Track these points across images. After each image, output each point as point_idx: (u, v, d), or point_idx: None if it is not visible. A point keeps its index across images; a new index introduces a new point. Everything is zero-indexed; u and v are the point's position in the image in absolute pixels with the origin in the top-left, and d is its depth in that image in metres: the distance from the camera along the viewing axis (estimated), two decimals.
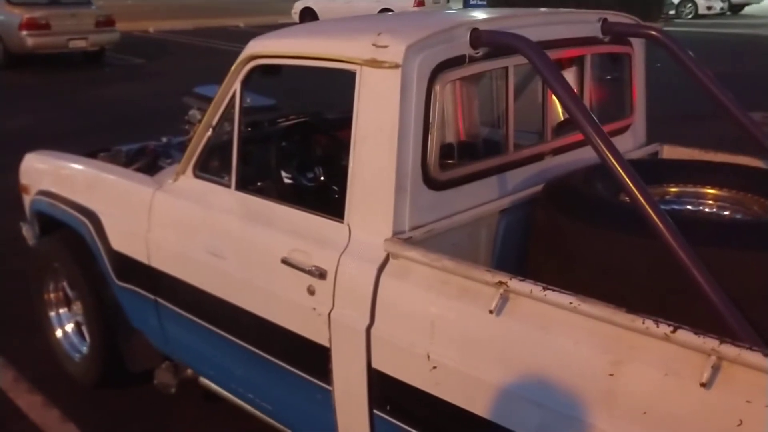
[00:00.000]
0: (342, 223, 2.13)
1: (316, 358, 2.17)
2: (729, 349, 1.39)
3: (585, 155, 2.42)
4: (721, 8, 23.66)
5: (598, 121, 1.86)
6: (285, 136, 2.82)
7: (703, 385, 1.41)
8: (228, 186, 2.50)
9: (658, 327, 1.48)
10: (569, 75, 2.64)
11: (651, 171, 2.31)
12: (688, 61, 2.49)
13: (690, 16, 22.49)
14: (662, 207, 1.75)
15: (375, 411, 2.07)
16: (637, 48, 2.85)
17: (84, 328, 3.30)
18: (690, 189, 2.29)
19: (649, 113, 2.99)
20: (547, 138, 2.51)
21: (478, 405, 1.78)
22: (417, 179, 2.04)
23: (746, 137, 2.42)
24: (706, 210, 2.25)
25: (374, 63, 1.99)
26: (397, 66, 1.95)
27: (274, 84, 2.59)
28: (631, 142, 2.89)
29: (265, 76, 2.42)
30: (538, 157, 2.47)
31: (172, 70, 12.88)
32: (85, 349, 3.31)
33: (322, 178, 2.47)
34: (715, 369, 1.41)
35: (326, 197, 2.36)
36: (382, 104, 1.99)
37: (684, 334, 1.45)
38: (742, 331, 1.52)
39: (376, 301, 1.99)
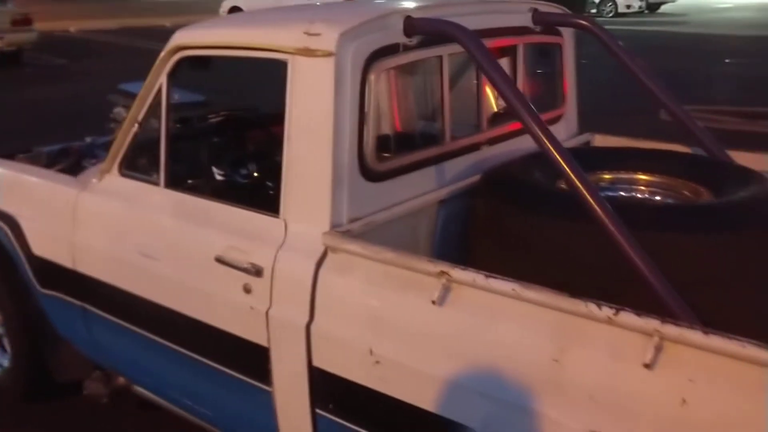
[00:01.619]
0: (278, 218, 2.06)
1: (254, 359, 2.10)
2: (670, 329, 1.40)
3: (521, 145, 2.43)
4: (640, 7, 24.50)
5: (535, 114, 1.86)
6: (216, 132, 2.74)
7: (646, 366, 1.41)
8: (157, 184, 2.40)
9: (600, 310, 1.47)
10: (502, 65, 2.64)
11: (585, 159, 2.31)
12: (617, 50, 2.53)
13: (610, 15, 23.19)
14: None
15: (317, 411, 2.01)
16: (567, 39, 2.88)
17: (4, 340, 3.13)
18: (623, 175, 2.32)
19: (580, 109, 3.03)
20: (483, 128, 2.50)
21: (424, 399, 1.75)
22: (354, 170, 1.99)
23: (676, 123, 2.47)
24: (639, 195, 2.28)
25: (306, 51, 1.93)
26: (330, 54, 1.90)
27: (211, 82, 2.50)
28: (564, 131, 2.91)
29: (193, 69, 2.33)
30: (475, 147, 2.46)
31: (96, 70, 12.42)
32: (6, 362, 3.12)
33: (256, 174, 2.39)
34: (658, 349, 1.41)
35: (261, 193, 2.29)
36: (316, 94, 1.94)
37: (626, 316, 1.45)
38: (681, 311, 1.54)
39: (315, 297, 1.93)
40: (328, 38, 1.91)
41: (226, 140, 2.67)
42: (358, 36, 1.95)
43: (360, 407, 1.92)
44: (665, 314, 1.49)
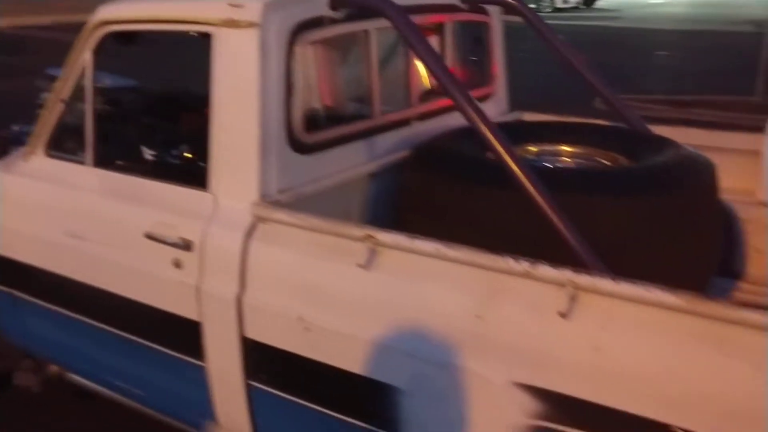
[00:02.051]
0: (207, 192, 2.06)
1: (186, 335, 2.09)
2: (583, 279, 1.46)
3: (453, 121, 2.47)
4: (576, 2, 25.08)
5: (466, 89, 1.91)
6: (146, 111, 2.70)
7: (562, 315, 1.47)
8: (84, 163, 2.36)
9: (518, 264, 1.52)
10: (431, 42, 2.68)
11: (512, 132, 2.39)
12: (542, 28, 2.62)
13: (549, 10, 23.66)
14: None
15: (251, 382, 2.02)
16: (495, 19, 2.94)
17: None
18: (548, 147, 2.39)
19: (511, 89, 3.10)
20: (413, 103, 2.54)
21: (353, 362, 1.78)
22: (282, 142, 2.00)
23: (596, 95, 2.57)
24: (561, 165, 2.35)
25: (231, 23, 1.94)
26: (254, 25, 1.90)
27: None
28: (494, 109, 2.97)
29: (119, 44, 2.30)
30: (406, 122, 2.49)
31: (33, 66, 12.02)
32: None
33: (185, 151, 2.38)
34: (572, 299, 1.47)
35: (190, 169, 2.27)
36: (242, 65, 1.94)
37: (542, 269, 1.50)
38: (595, 264, 1.60)
39: (245, 268, 1.94)
40: (251, 9, 1.92)
41: (156, 120, 2.64)
42: (282, 7, 1.96)
43: (292, 376, 1.93)
44: (581, 268, 1.55)
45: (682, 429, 1.36)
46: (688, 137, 2.67)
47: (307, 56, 2.12)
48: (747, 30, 13.96)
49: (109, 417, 2.78)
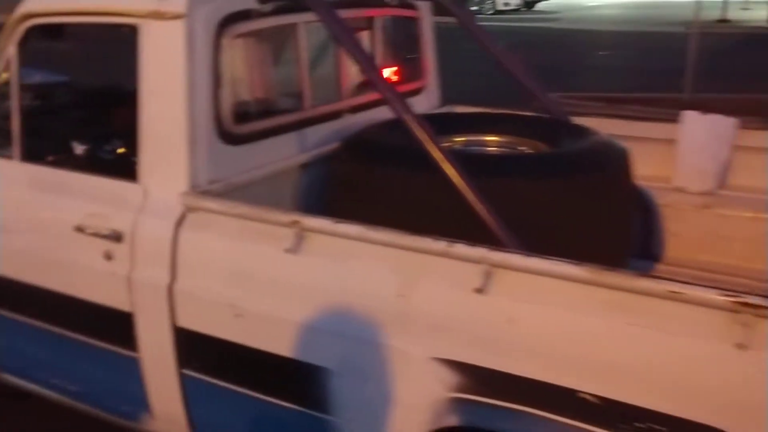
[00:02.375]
0: (137, 183, 2.07)
1: (119, 326, 2.10)
2: (495, 255, 1.54)
3: (382, 113, 2.53)
4: (517, 4, 25.55)
5: (392, 82, 1.97)
6: (76, 106, 2.69)
7: (478, 290, 1.54)
8: (12, 158, 2.34)
9: (437, 243, 1.59)
10: (361, 37, 2.75)
11: (441, 124, 2.47)
12: (469, 24, 2.70)
13: (491, 12, 24.04)
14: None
15: (184, 371, 2.04)
16: (425, 14, 3.02)
17: None
18: (474, 138, 2.48)
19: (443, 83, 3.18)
20: (344, 96, 2.60)
21: (283, 346, 1.82)
22: (211, 133, 2.03)
23: (524, 89, 2.68)
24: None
25: (157, 15, 1.96)
26: (180, 16, 1.93)
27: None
28: (426, 102, 3.05)
29: (46, 38, 2.29)
30: (337, 115, 2.55)
31: None
32: None
33: (115, 145, 2.38)
34: (487, 275, 1.55)
35: (120, 162, 2.28)
36: (168, 58, 1.96)
37: (459, 248, 1.58)
38: (510, 242, 1.68)
39: (176, 257, 1.96)
40: (177, 1, 1.94)
41: (85, 114, 2.63)
42: (209, 0, 1.99)
43: (225, 362, 1.96)
44: (498, 246, 1.63)
45: (588, 393, 1.45)
46: (611, 128, 2.80)
47: (236, 48, 2.16)
48: (677, 30, 14.48)
49: (45, 417, 2.75)
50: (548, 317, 1.51)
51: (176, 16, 1.93)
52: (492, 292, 1.55)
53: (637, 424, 1.40)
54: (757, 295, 1.31)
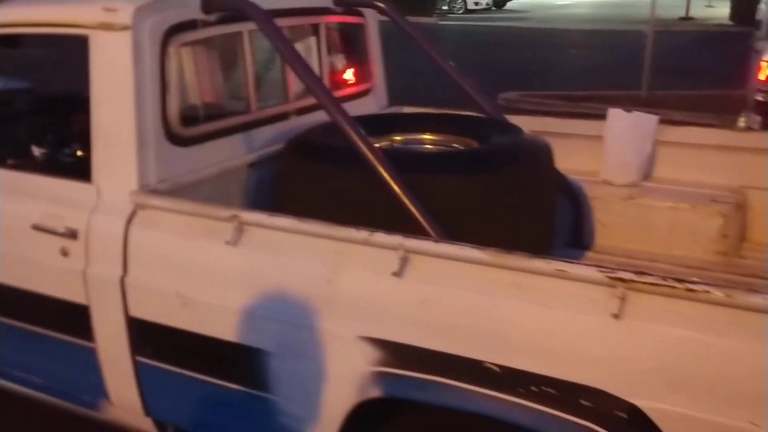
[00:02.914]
0: (90, 184, 2.21)
1: (76, 319, 2.23)
2: (410, 242, 1.71)
3: (326, 116, 2.69)
4: (487, 3, 25.89)
5: (338, 85, 2.13)
6: (34, 112, 2.81)
7: (395, 274, 1.71)
8: None
9: (359, 233, 1.76)
10: (308, 42, 2.91)
11: (382, 124, 2.65)
12: (408, 28, 2.87)
13: (461, 12, 24.34)
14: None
15: (138, 358, 2.18)
16: (371, 20, 3.19)
17: None
18: (412, 136, 2.65)
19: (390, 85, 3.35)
20: (290, 99, 2.75)
21: (225, 331, 1.97)
22: (159, 135, 2.18)
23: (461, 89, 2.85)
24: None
25: (105, 26, 2.10)
26: (127, 28, 2.07)
27: None
28: (374, 103, 3.22)
29: (2, 47, 2.42)
30: (283, 117, 2.70)
31: None
32: None
33: (70, 148, 2.51)
34: (404, 261, 1.72)
35: (75, 165, 2.41)
36: (116, 66, 2.11)
37: (379, 236, 1.74)
38: (435, 232, 1.85)
39: (127, 252, 2.10)
40: (124, 13, 2.09)
41: (42, 119, 2.76)
42: (154, 11, 2.14)
43: (175, 348, 2.11)
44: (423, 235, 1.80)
45: (492, 363, 1.62)
46: (543, 125, 3.00)
47: (182, 56, 2.30)
48: (641, 29, 14.82)
49: (5, 411, 2.86)
50: (457, 297, 1.68)
51: (124, 27, 2.08)
52: (408, 275, 1.72)
53: (533, 388, 1.58)
54: (628, 270, 1.49)
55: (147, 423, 2.33)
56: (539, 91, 9.51)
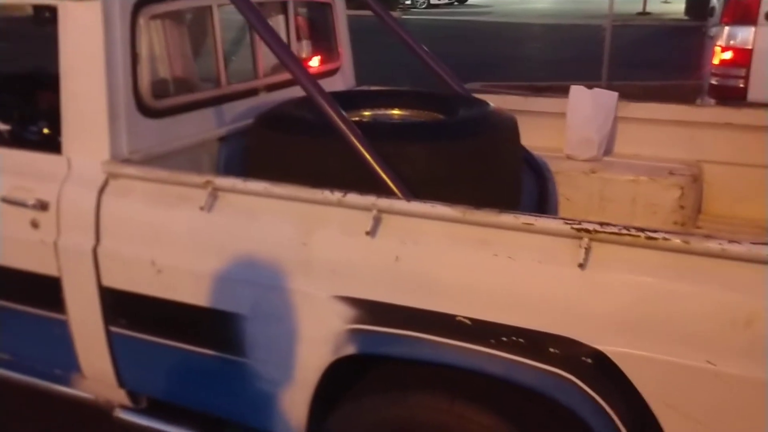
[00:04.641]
0: (61, 155, 2.21)
1: (48, 291, 2.23)
2: (383, 202, 1.76)
3: (297, 92, 2.72)
4: None
5: (307, 62, 2.15)
6: (4, 85, 2.79)
7: (368, 233, 1.76)
8: None
9: (333, 194, 1.80)
10: (277, 20, 2.94)
11: (350, 101, 2.68)
12: (380, 12, 2.92)
13: (424, 6, 24.49)
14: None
15: (111, 328, 2.19)
16: (338, 1, 3.22)
17: None
18: (380, 112, 2.70)
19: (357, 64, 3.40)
20: (260, 75, 2.78)
21: (203, 297, 1.99)
22: (130, 107, 2.18)
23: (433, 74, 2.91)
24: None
25: None
26: None
27: None
28: (342, 83, 3.26)
29: None
30: (254, 92, 2.73)
31: None
32: None
33: (40, 121, 2.50)
34: (376, 220, 1.76)
35: (45, 137, 2.40)
36: (87, 36, 2.11)
37: (352, 197, 1.79)
38: (403, 193, 1.90)
39: (99, 221, 2.11)
40: None
41: (10, 91, 2.73)
42: None
43: (149, 317, 2.13)
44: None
45: (464, 317, 1.68)
46: (507, 103, 3.07)
47: (153, 28, 2.31)
48: (600, 23, 15.08)
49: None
50: (428, 254, 1.73)
51: None
52: (381, 234, 1.76)
53: (503, 339, 1.64)
54: (591, 222, 1.57)
55: (120, 395, 2.34)
56: (502, 82, 9.65)
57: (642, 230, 1.53)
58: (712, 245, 1.47)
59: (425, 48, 2.98)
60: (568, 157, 3.01)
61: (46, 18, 2.16)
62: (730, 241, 1.46)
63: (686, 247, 1.49)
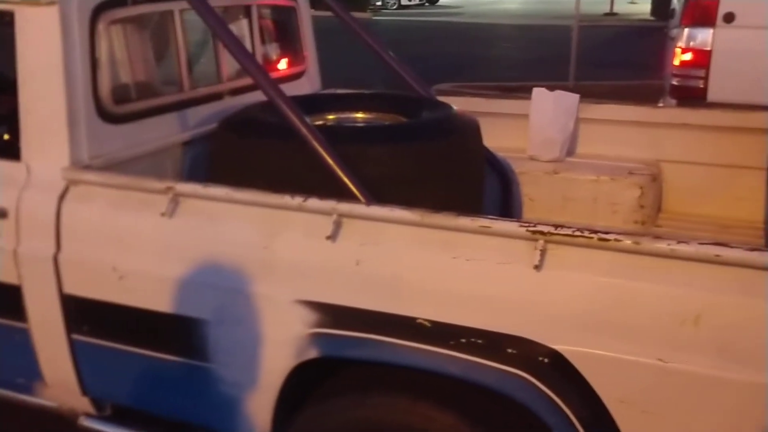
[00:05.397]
0: (20, 162, 2.19)
1: (8, 299, 2.20)
2: (343, 206, 1.77)
3: (261, 96, 2.73)
4: None
5: (271, 67, 2.16)
6: None
7: (329, 237, 1.77)
8: None
9: (293, 199, 1.81)
10: (241, 24, 2.93)
11: (314, 104, 2.70)
12: (343, 14, 2.94)
13: (395, 7, 24.53)
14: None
15: (73, 336, 2.17)
16: (302, 4, 3.23)
17: None
18: (344, 115, 2.71)
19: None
20: (224, 80, 2.78)
21: (165, 303, 1.99)
22: (90, 113, 2.17)
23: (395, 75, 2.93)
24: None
25: (32, 2, 2.08)
26: (53, 3, 2.06)
27: None
28: (308, 86, 3.27)
29: None
30: (218, 97, 2.72)
31: None
32: None
33: (4, 136, 2.47)
34: (337, 224, 1.78)
35: (4, 145, 2.38)
36: (44, 42, 2.09)
37: (312, 202, 1.80)
38: (364, 196, 1.91)
39: (60, 228, 2.09)
40: None
41: None
42: None
43: (111, 324, 2.12)
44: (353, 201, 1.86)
45: (424, 319, 1.70)
46: (471, 105, 3.10)
47: (113, 34, 2.30)
48: (568, 24, 15.28)
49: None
50: (389, 257, 1.75)
51: (51, 3, 2.07)
52: (341, 238, 1.78)
53: (462, 340, 1.66)
54: (546, 224, 1.60)
55: (84, 402, 2.32)
56: (472, 82, 9.72)
57: (595, 232, 1.56)
58: (662, 246, 1.51)
59: (389, 51, 3.01)
60: (532, 158, 3.06)
61: (4, 23, 2.13)
62: (679, 242, 1.50)
63: (637, 248, 1.53)
